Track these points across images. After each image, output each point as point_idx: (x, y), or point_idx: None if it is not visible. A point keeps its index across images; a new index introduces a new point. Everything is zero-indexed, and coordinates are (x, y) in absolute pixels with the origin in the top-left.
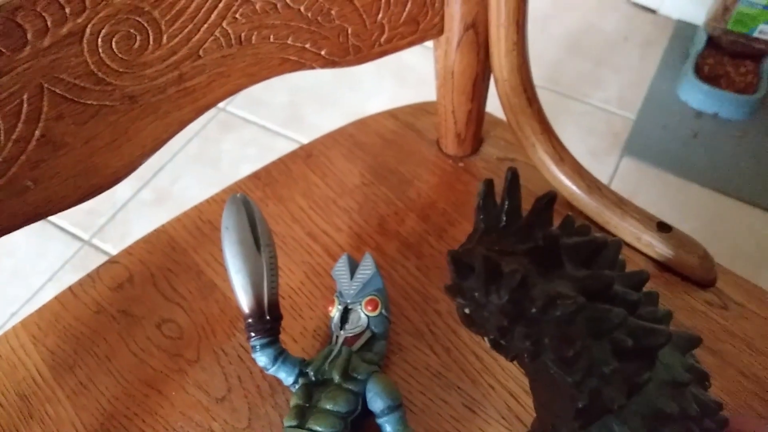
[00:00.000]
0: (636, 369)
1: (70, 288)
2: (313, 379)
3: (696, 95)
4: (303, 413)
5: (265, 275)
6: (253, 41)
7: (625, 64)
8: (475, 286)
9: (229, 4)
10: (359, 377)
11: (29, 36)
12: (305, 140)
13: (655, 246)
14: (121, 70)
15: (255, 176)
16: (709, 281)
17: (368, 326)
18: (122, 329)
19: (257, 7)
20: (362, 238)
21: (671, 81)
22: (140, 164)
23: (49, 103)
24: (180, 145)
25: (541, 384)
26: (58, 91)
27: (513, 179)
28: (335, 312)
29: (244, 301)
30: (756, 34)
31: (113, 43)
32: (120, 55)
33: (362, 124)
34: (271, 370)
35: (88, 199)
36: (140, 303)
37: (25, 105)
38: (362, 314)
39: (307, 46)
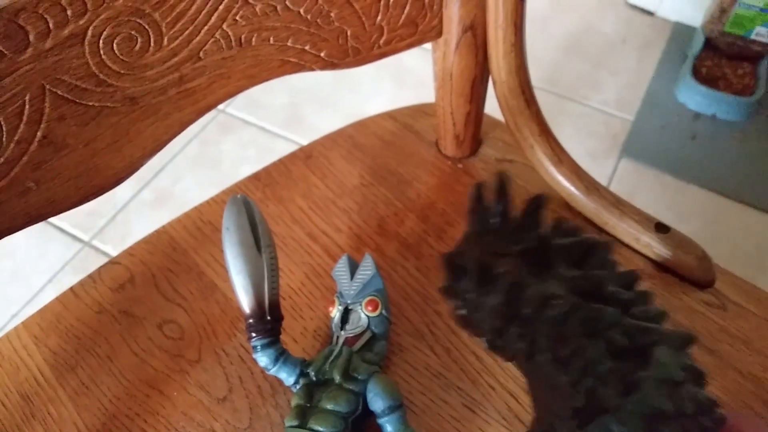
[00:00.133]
0: (631, 368)
1: (71, 289)
2: (314, 379)
3: (694, 97)
4: (304, 413)
5: (266, 276)
6: (253, 43)
7: (623, 66)
8: (469, 288)
9: (230, 7)
10: (360, 377)
11: (31, 38)
12: (304, 141)
13: (654, 247)
14: (122, 71)
15: (255, 177)
16: (708, 282)
17: (369, 326)
18: (124, 330)
19: (257, 9)
20: (362, 238)
21: (669, 83)
22: (141, 165)
23: (50, 104)
24: (180, 146)
25: (538, 385)
26: (59, 92)
27: (503, 182)
28: (336, 312)
29: (245, 301)
30: (753, 36)
31: (114, 45)
32: (121, 57)
33: (361, 125)
34: (272, 371)
35: (89, 200)
36: (141, 303)
37: (27, 106)
38: (363, 315)
39: (307, 48)
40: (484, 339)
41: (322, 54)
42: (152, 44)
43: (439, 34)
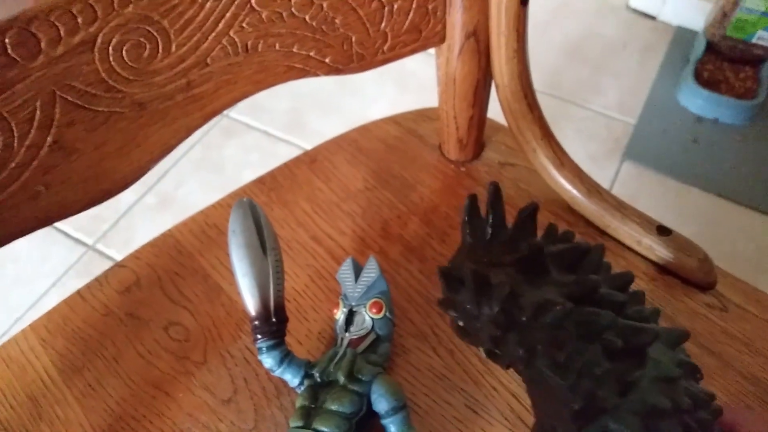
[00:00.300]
0: (627, 368)
1: (78, 291)
2: (319, 380)
3: (696, 100)
4: (309, 414)
5: (271, 278)
6: (260, 49)
7: (625, 70)
8: (466, 299)
9: (237, 14)
10: (364, 379)
11: (43, 45)
12: (307, 146)
13: (656, 249)
14: (130, 77)
15: (260, 181)
16: (709, 284)
17: (373, 328)
18: (130, 332)
19: (264, 16)
20: (366, 241)
21: (671, 86)
22: (149, 169)
23: (61, 109)
24: (183, 150)
25: (537, 389)
26: (69, 98)
27: (495, 193)
28: (340, 314)
29: (251, 303)
30: (755, 40)
31: (123, 52)
32: (130, 63)
33: (365, 129)
34: (277, 372)
35: (97, 203)
36: (147, 306)
37: (38, 112)
38: (367, 317)
39: (312, 54)
40: (482, 348)
41: (327, 60)
42: (160, 51)
43: (443, 39)
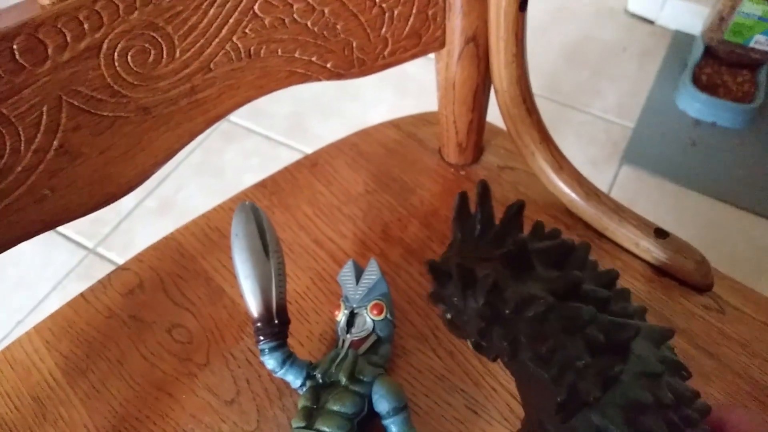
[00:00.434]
0: (609, 362)
1: (81, 294)
2: (321, 381)
3: (694, 104)
4: (311, 414)
5: (274, 280)
6: (262, 55)
7: (623, 74)
8: (453, 292)
9: (239, 20)
10: (365, 379)
11: (50, 51)
12: (308, 150)
13: (653, 251)
14: (135, 82)
15: (262, 185)
16: (706, 286)
17: (374, 330)
18: (133, 334)
19: (266, 22)
20: (367, 244)
21: (669, 90)
22: (152, 173)
23: (67, 114)
24: (184, 155)
25: (524, 383)
26: (75, 103)
27: (484, 191)
28: (341, 316)
29: (253, 305)
30: (752, 44)
31: (129, 57)
32: (135, 69)
33: (365, 134)
34: (279, 373)
35: (102, 207)
36: (150, 308)
37: (44, 116)
38: (368, 318)
39: (314, 59)
40: (470, 340)
41: (328, 65)
42: (165, 56)
43: (442, 45)
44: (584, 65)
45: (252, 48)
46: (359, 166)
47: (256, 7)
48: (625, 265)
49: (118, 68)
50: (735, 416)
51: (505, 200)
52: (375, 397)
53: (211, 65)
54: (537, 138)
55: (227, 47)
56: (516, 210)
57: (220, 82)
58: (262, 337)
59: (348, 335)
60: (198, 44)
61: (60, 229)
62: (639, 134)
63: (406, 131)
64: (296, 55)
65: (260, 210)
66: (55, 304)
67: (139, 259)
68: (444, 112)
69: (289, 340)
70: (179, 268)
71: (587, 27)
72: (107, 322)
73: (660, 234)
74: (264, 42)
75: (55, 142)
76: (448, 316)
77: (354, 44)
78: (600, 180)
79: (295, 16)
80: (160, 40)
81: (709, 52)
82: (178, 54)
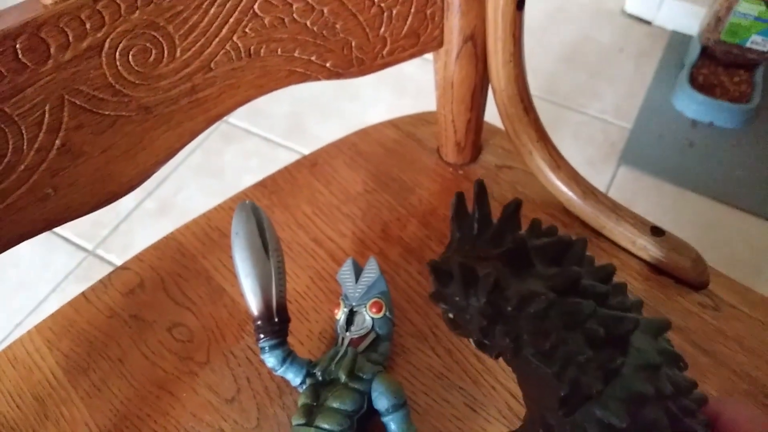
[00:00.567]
0: (610, 355)
1: (83, 293)
2: (320, 379)
3: (691, 105)
4: (311, 412)
5: (274, 279)
6: (262, 54)
7: (620, 75)
8: (455, 291)
9: (240, 19)
10: (365, 377)
11: (52, 50)
12: (306, 151)
13: (649, 249)
14: (137, 82)
15: (261, 185)
16: (702, 283)
17: (373, 328)
18: (134, 333)
19: (266, 21)
20: (366, 243)
21: (666, 91)
22: (153, 172)
23: (69, 113)
24: (183, 156)
25: (526, 379)
26: (77, 102)
27: (480, 190)
28: (341, 314)
29: (254, 303)
30: (749, 45)
31: (130, 57)
32: (136, 68)
33: (364, 133)
34: (279, 371)
35: (104, 205)
36: (151, 308)
37: (47, 115)
38: (367, 316)
39: (313, 58)
40: (472, 339)
41: (327, 64)
42: (166, 56)
43: (441, 44)
44: (582, 66)
45: (252, 47)
46: (358, 166)
47: (256, 7)
48: (622, 264)
49: (119, 67)
50: (730, 408)
51: (503, 199)
52: (374, 395)
53: (212, 64)
54: (534, 137)
55: (227, 47)
56: (513, 208)
57: (220, 82)
58: (262, 335)
59: (347, 333)
60: (198, 44)
61: (59, 231)
62: (636, 135)
63: (405, 131)
64: (296, 54)
65: (260, 209)
66: (54, 305)
67: (139, 258)
68: (442, 112)
69: (289, 339)
70: (180, 267)
71: (584, 28)
72: (108, 321)
73: (656, 232)
74: (264, 41)
75: (57, 141)
76: (450, 315)
77: (353, 44)
78: (598, 181)
79: (294, 15)
80: (161, 39)
81: (705, 52)
82: (178, 53)
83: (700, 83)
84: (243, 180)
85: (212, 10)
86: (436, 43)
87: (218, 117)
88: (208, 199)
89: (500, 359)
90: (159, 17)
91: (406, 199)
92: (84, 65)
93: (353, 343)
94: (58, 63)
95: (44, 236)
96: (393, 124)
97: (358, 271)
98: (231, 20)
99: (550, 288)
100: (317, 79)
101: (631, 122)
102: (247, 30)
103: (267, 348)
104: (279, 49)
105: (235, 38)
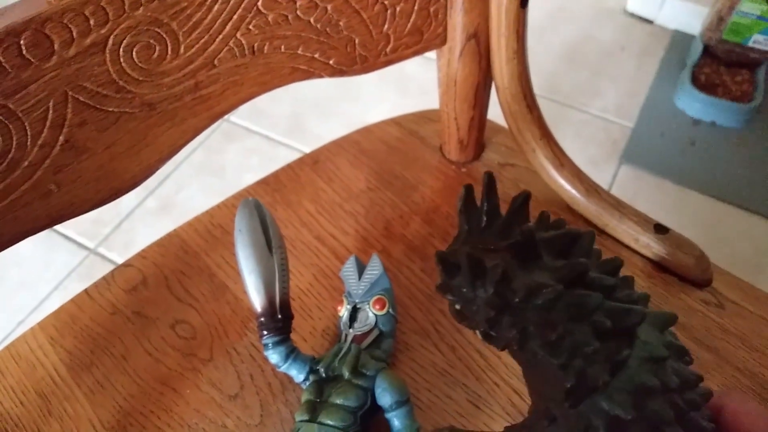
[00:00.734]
0: (616, 347)
1: (86, 290)
2: (324, 375)
3: (693, 104)
4: (314, 408)
5: (277, 276)
6: (266, 51)
7: (622, 74)
8: (462, 282)
9: (243, 16)
10: (368, 373)
11: (56, 46)
12: (307, 149)
13: (653, 247)
14: (140, 78)
15: (264, 182)
16: (705, 281)
17: (376, 324)
18: (137, 330)
19: (270, 18)
20: (369, 241)
21: (668, 90)
22: (157, 169)
23: (73, 110)
24: (184, 154)
25: (531, 371)
26: (81, 98)
27: (489, 182)
28: (344, 311)
29: (257, 300)
30: (750, 44)
31: (134, 53)
32: (140, 64)
33: (367, 131)
34: (283, 368)
35: (107, 202)
36: (154, 305)
37: (50, 112)
38: (370, 313)
39: (317, 55)
40: (478, 330)
41: (331, 61)
42: (169, 52)
43: (444, 41)
44: (583, 65)
45: (255, 44)
46: (361, 164)
47: (259, 4)
48: (626, 261)
49: (123, 64)
50: (733, 402)
51: (506, 197)
52: (378, 391)
53: (215, 61)
54: (538, 134)
55: (231, 43)
56: (522, 201)
57: (224, 78)
58: (265, 332)
59: (351, 330)
60: (202, 40)
61: (61, 229)
62: (638, 134)
63: (408, 128)
64: (299, 51)
65: (263, 206)
66: (56, 304)
67: (142, 255)
68: (445, 110)
69: (293, 336)
70: (182, 264)
71: (586, 27)
72: (111, 318)
73: (660, 230)
74: (267, 38)
75: (61, 138)
76: (457, 306)
77: (356, 41)
78: (599, 179)
79: (298, 12)
80: (164, 36)
81: (707, 51)
82: (182, 50)
83: (701, 82)
84: (244, 178)
85: (216, 7)
86: (439, 41)
87: (221, 114)
88: (210, 198)
89: (505, 353)
90: (163, 14)
91: (408, 197)
92: (88, 61)
93: (356, 339)
94: (62, 59)
95: (46, 234)
96: (396, 121)
97: (361, 269)
98: (235, 17)
99: (557, 280)
100: (320, 76)
101: (633, 121)
102: (250, 27)
103: (270, 344)
104: (282, 46)
105: (238, 35)
